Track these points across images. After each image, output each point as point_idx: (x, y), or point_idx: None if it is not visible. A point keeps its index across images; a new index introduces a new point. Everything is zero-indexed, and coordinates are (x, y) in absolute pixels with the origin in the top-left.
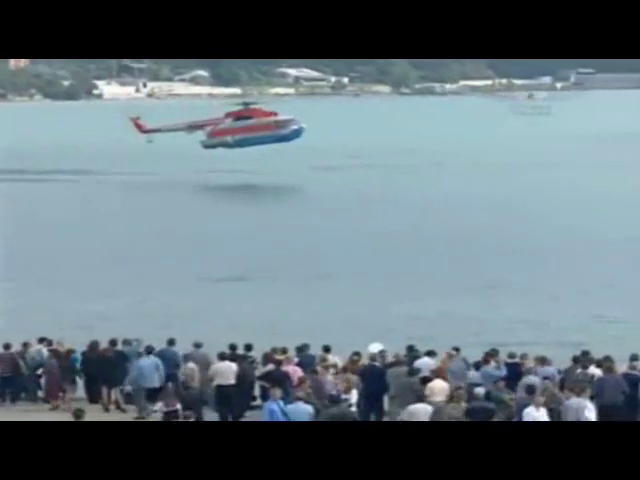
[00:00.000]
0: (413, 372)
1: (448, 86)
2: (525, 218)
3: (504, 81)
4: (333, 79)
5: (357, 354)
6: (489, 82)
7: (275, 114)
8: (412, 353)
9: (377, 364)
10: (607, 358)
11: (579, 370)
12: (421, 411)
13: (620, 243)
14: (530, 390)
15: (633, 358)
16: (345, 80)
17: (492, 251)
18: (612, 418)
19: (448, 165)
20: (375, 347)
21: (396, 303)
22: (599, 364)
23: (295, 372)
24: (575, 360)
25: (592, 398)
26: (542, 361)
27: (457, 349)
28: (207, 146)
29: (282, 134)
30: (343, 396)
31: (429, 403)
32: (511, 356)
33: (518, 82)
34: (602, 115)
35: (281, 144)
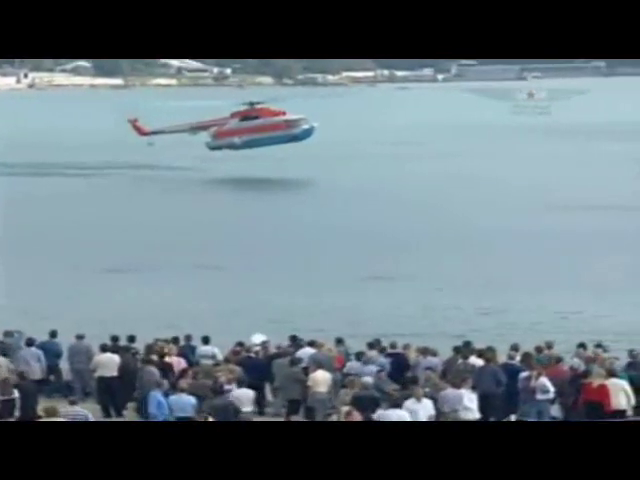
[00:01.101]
0: (295, 362)
1: (330, 77)
2: (410, 209)
3: (386, 72)
4: (215, 70)
5: (240, 345)
6: (371, 73)
7: (284, 113)
8: (296, 343)
9: (254, 355)
10: (489, 348)
11: (460, 361)
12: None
13: (510, 235)
14: (413, 381)
15: (513, 348)
16: (228, 71)
17: (376, 242)
18: (491, 408)
19: (330, 156)
20: (257, 338)
21: (280, 294)
22: (480, 354)
23: (179, 363)
24: (456, 350)
25: (474, 388)
26: (425, 352)
27: (340, 340)
28: (213, 147)
29: (293, 134)
30: (226, 387)
31: (313, 394)
32: (393, 346)
33: (399, 73)
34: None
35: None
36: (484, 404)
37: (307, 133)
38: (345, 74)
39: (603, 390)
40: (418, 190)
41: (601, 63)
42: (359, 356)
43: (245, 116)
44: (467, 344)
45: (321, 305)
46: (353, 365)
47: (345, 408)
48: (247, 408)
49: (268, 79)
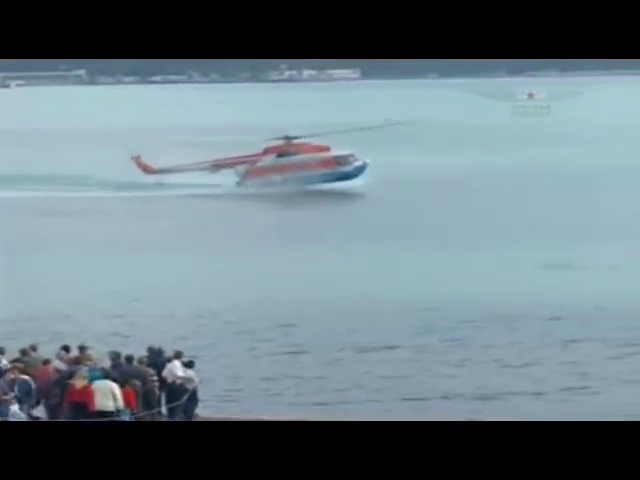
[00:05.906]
0: None
1: None
2: None
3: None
4: None
5: None
6: None
7: (328, 149)
8: None
9: None
10: None
11: None
12: None
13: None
14: None
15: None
16: None
17: None
18: None
19: None
20: None
21: None
22: None
23: None
24: None
25: None
26: None
27: None
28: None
29: (345, 171)
30: None
31: None
32: None
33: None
34: None
35: None
36: None
37: (359, 170)
38: None
39: (87, 391)
40: None
41: (81, 71)
42: None
43: (283, 152)
44: None
45: None
46: None
47: None
48: None
49: None
